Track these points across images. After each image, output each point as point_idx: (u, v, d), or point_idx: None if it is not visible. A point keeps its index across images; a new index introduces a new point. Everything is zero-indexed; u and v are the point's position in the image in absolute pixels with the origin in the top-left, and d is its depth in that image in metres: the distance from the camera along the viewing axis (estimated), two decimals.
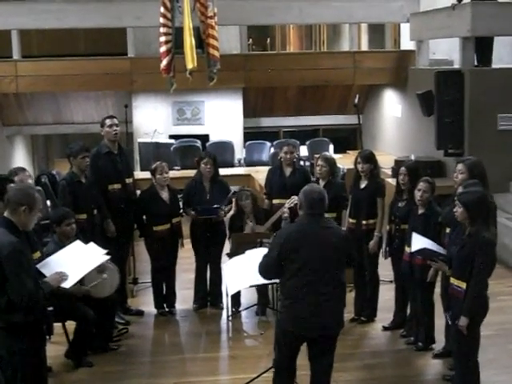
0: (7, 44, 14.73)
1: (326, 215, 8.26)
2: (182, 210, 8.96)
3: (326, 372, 5.94)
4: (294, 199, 8.05)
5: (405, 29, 15.50)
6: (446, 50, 14.79)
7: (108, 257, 6.94)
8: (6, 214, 5.21)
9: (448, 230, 6.87)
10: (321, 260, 5.64)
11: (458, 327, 5.91)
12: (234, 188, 10.21)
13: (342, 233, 5.95)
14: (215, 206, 8.69)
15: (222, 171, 9.48)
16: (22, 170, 6.86)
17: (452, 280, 6.06)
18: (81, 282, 7.01)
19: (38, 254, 5.87)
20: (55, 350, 7.44)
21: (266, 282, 7.13)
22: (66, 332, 7.49)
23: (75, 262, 6.06)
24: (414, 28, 14.46)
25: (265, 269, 5.92)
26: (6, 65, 14.68)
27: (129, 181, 8.70)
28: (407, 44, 15.43)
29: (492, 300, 6.09)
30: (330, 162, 8.68)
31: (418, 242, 6.75)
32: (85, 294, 7.14)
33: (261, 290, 8.68)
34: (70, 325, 7.42)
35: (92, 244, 6.84)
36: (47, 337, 5.86)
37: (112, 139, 8.53)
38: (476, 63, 12.45)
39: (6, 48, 14.86)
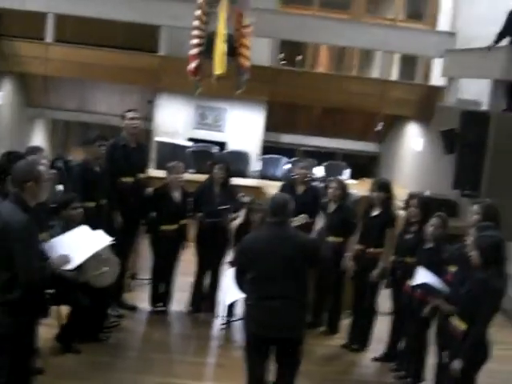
0: (41, 26, 14.81)
1: (333, 239, 8.34)
2: (190, 213, 8.94)
3: (290, 372, 5.99)
4: (303, 217, 8.04)
5: (437, 64, 15.49)
6: (476, 91, 14.73)
7: (112, 238, 6.91)
8: (15, 190, 5.22)
9: (452, 268, 6.79)
10: (276, 269, 5.74)
11: (450, 369, 5.85)
12: (245, 198, 10.19)
13: (301, 240, 5.97)
14: (222, 207, 8.68)
15: (235, 180, 9.45)
16: (39, 149, 6.86)
17: (452, 319, 5.99)
18: (80, 269, 7.02)
19: (44, 235, 5.89)
20: (45, 333, 7.40)
21: None
22: (60, 316, 7.48)
23: (80, 245, 6.06)
24: (446, 65, 14.45)
25: (235, 280, 6.08)
26: (38, 47, 14.79)
27: (141, 176, 8.66)
28: (437, 80, 15.42)
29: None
30: (343, 186, 8.66)
31: (422, 276, 6.70)
32: (83, 282, 7.13)
33: None
34: (64, 308, 7.41)
35: (99, 231, 6.82)
36: (41, 319, 5.86)
37: (131, 132, 8.52)
38: (505, 107, 12.39)
39: (39, 30, 14.94)
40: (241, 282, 6.00)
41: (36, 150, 6.89)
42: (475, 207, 6.93)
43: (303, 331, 6.02)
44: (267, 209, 5.95)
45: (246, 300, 5.95)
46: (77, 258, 5.72)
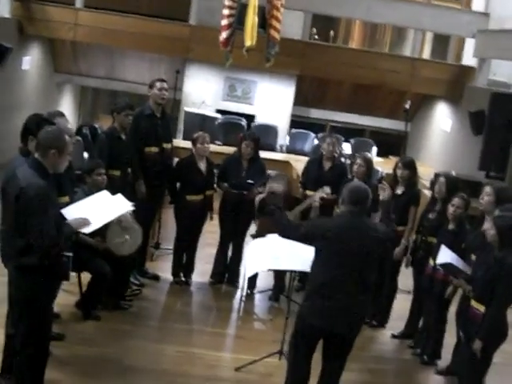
0: None
1: None
2: (215, 184, 8.96)
3: (337, 374, 5.91)
4: (327, 190, 7.99)
5: (469, 44, 15.34)
6: (507, 73, 14.62)
7: (132, 208, 6.93)
8: (36, 155, 5.22)
9: (473, 257, 6.73)
10: (357, 260, 5.57)
11: (471, 349, 5.86)
12: (270, 172, 10.20)
13: (382, 237, 5.79)
14: (249, 181, 8.68)
15: (262, 154, 9.44)
16: (61, 114, 6.83)
17: (472, 302, 6.01)
18: (103, 237, 7.06)
19: (66, 199, 5.92)
20: (66, 299, 7.53)
21: (285, 268, 7.14)
22: (80, 283, 7.55)
23: (100, 209, 6.06)
24: (478, 45, 14.30)
25: (291, 230, 5.86)
26: (67, 11, 14.79)
27: (167, 146, 8.60)
28: (469, 60, 15.28)
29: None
30: (368, 163, 8.60)
31: (445, 255, 6.68)
32: (105, 249, 7.18)
33: (278, 275, 8.67)
34: (85, 276, 7.47)
35: (119, 195, 6.82)
36: (61, 282, 5.91)
37: (159, 102, 8.45)
38: None
39: None
40: (296, 238, 5.89)
41: (58, 114, 6.83)
42: (487, 189, 6.92)
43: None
44: (344, 197, 5.70)
45: (314, 289, 5.71)
46: (96, 222, 5.72)
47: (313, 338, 5.82)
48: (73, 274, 7.12)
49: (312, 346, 5.85)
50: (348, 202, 5.66)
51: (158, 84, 8.46)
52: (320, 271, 5.65)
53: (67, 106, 18.17)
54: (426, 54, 18.35)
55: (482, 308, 5.87)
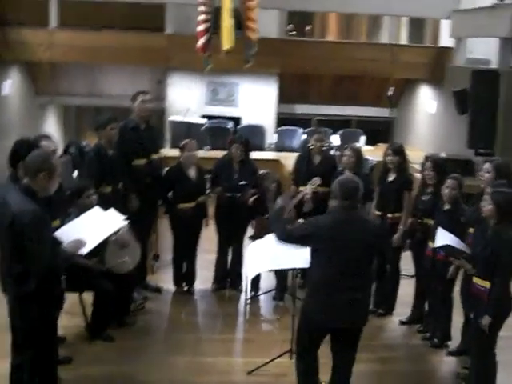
0: (45, 12, 14.77)
1: None
2: (208, 189, 8.95)
3: (349, 366, 5.92)
4: (316, 181, 7.98)
5: (445, 25, 15.37)
6: (485, 50, 14.65)
7: (126, 222, 6.91)
8: (25, 180, 5.20)
9: (471, 230, 6.82)
10: (354, 253, 5.58)
11: (479, 326, 5.88)
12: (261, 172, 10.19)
13: (375, 228, 5.83)
14: (242, 182, 8.68)
15: (252, 154, 9.44)
16: (47, 137, 6.82)
17: (475, 280, 6.04)
18: (102, 259, 7.03)
19: (57, 223, 5.87)
20: (70, 321, 7.48)
21: (286, 267, 7.14)
22: (82, 303, 7.50)
23: (94, 227, 6.04)
24: (454, 25, 14.35)
25: (289, 234, 5.82)
26: (42, 33, 14.78)
27: (155, 157, 8.60)
28: (446, 41, 15.30)
29: None
30: (358, 153, 8.60)
31: (443, 237, 6.69)
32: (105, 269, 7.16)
33: (280, 274, 8.67)
34: (88, 296, 7.43)
35: (111, 210, 6.80)
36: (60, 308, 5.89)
37: (142, 115, 8.44)
38: None
39: (43, 16, 14.90)
40: (294, 242, 5.87)
41: (43, 137, 6.82)
42: (487, 165, 7.00)
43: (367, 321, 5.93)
44: (335, 193, 5.70)
45: (315, 285, 5.75)
46: (91, 241, 5.71)
47: (317, 334, 5.85)
48: (74, 296, 7.14)
49: (317, 342, 5.88)
50: (339, 196, 5.66)
51: (141, 96, 8.44)
52: (318, 269, 5.68)
53: (52, 127, 18.13)
54: (404, 39, 18.40)
55: (485, 284, 5.90)
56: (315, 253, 5.70)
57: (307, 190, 7.97)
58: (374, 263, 5.84)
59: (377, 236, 5.84)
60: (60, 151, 10.86)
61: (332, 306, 5.61)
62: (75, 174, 12.09)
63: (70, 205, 7.05)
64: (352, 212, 5.67)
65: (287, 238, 5.83)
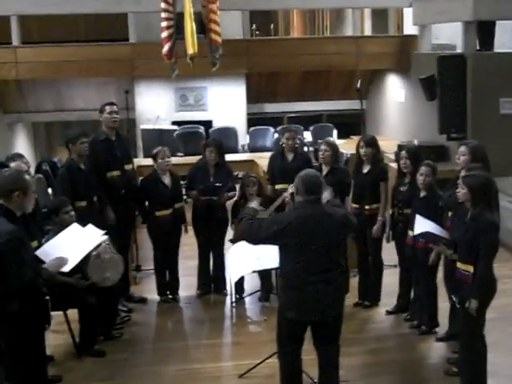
0: (7, 30, 14.66)
1: None
2: (184, 195, 8.92)
3: (333, 358, 5.92)
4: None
5: (408, 14, 15.42)
6: (449, 35, 14.73)
7: (106, 237, 6.87)
8: (1, 201, 5.15)
9: (450, 214, 6.88)
10: (320, 246, 5.61)
11: (466, 310, 5.89)
12: (238, 173, 10.19)
13: (340, 219, 5.81)
14: (217, 184, 8.66)
15: (226, 157, 9.43)
16: (19, 156, 6.77)
17: (459, 265, 6.04)
18: (84, 274, 6.97)
19: (35, 243, 5.82)
20: (57, 339, 7.45)
21: (268, 267, 7.14)
22: (68, 320, 7.41)
23: (73, 244, 6.00)
24: (416, 13, 14.39)
25: (251, 232, 5.80)
26: (6, 51, 14.63)
27: (128, 167, 8.57)
28: (410, 29, 15.36)
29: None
30: (333, 147, 8.60)
31: (421, 224, 6.71)
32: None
33: (264, 275, 8.64)
34: (73, 313, 7.34)
35: (90, 226, 6.76)
36: (46, 326, 5.82)
37: (111, 126, 8.40)
38: (478, 47, 12.43)
39: (5, 34, 14.78)
40: (258, 242, 5.88)
41: (16, 156, 6.77)
42: (462, 148, 7.01)
43: (343, 307, 5.94)
44: (299, 188, 5.74)
45: (285, 281, 5.78)
46: (73, 259, 5.67)
47: (294, 330, 5.85)
48: (59, 314, 7.07)
49: (296, 339, 5.88)
50: (302, 192, 5.71)
51: (108, 108, 8.40)
52: (287, 264, 5.72)
53: (22, 145, 17.97)
54: (368, 31, 18.42)
55: (469, 268, 5.90)
56: (283, 249, 5.75)
57: (287, 193, 7.98)
58: (343, 255, 5.85)
59: (343, 227, 5.83)
60: (32, 170, 10.75)
61: (303, 300, 5.65)
62: (50, 191, 12.04)
63: (48, 222, 7.00)
64: (316, 206, 5.70)
65: (255, 240, 5.86)
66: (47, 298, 5.36)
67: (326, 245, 5.65)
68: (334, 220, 5.73)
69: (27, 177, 5.36)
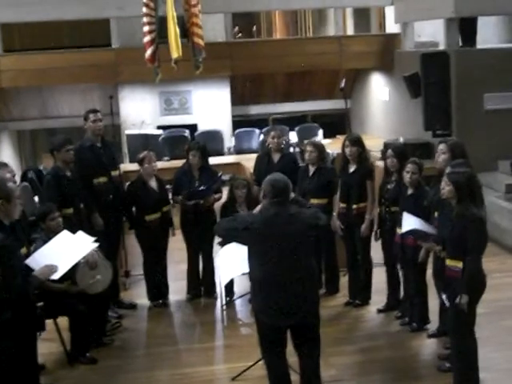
0: None
1: (318, 201, 8.33)
2: (171, 200, 8.91)
3: (314, 363, 5.87)
4: None
5: (390, 12, 15.45)
6: (432, 32, 14.77)
7: (96, 244, 6.85)
8: None
9: (436, 214, 6.88)
10: (288, 247, 5.62)
11: (456, 306, 5.90)
12: (225, 177, 10.17)
13: (306, 220, 5.80)
14: (202, 187, 8.65)
15: (212, 160, 9.42)
16: (4, 165, 6.74)
17: (448, 262, 6.05)
18: (73, 280, 6.95)
19: (24, 250, 5.80)
20: (48, 347, 7.40)
21: None
22: (58, 328, 7.37)
23: (63, 252, 5.98)
24: (398, 11, 14.42)
25: (224, 230, 6.03)
26: None
27: (115, 173, 8.58)
28: (393, 27, 15.39)
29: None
30: (319, 147, 8.62)
31: (409, 222, 6.74)
32: (78, 291, 7.07)
33: None
34: (63, 321, 7.32)
35: (80, 232, 6.74)
36: (38, 333, 5.79)
37: (96, 133, 8.42)
38: (461, 44, 12.48)
39: None
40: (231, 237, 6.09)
41: (1, 165, 6.74)
42: (441, 146, 7.06)
43: (318, 308, 5.91)
44: (266, 191, 5.76)
45: (255, 286, 5.79)
46: (63, 266, 5.65)
47: (271, 334, 5.83)
48: (49, 322, 7.04)
49: (276, 342, 5.85)
50: (269, 195, 5.74)
51: (92, 116, 8.40)
52: (255, 267, 5.74)
53: (8, 154, 17.89)
54: (350, 30, 18.46)
55: (459, 264, 5.91)
56: (251, 251, 5.77)
57: None
58: (311, 250, 5.88)
59: (309, 228, 5.80)
60: (18, 178, 10.70)
61: (275, 303, 5.64)
62: (36, 199, 11.98)
63: (35, 230, 6.98)
64: (281, 207, 5.71)
65: (220, 234, 6.22)
66: (40, 304, 5.32)
67: (292, 246, 5.64)
68: (299, 221, 5.74)
69: (10, 184, 5.33)
